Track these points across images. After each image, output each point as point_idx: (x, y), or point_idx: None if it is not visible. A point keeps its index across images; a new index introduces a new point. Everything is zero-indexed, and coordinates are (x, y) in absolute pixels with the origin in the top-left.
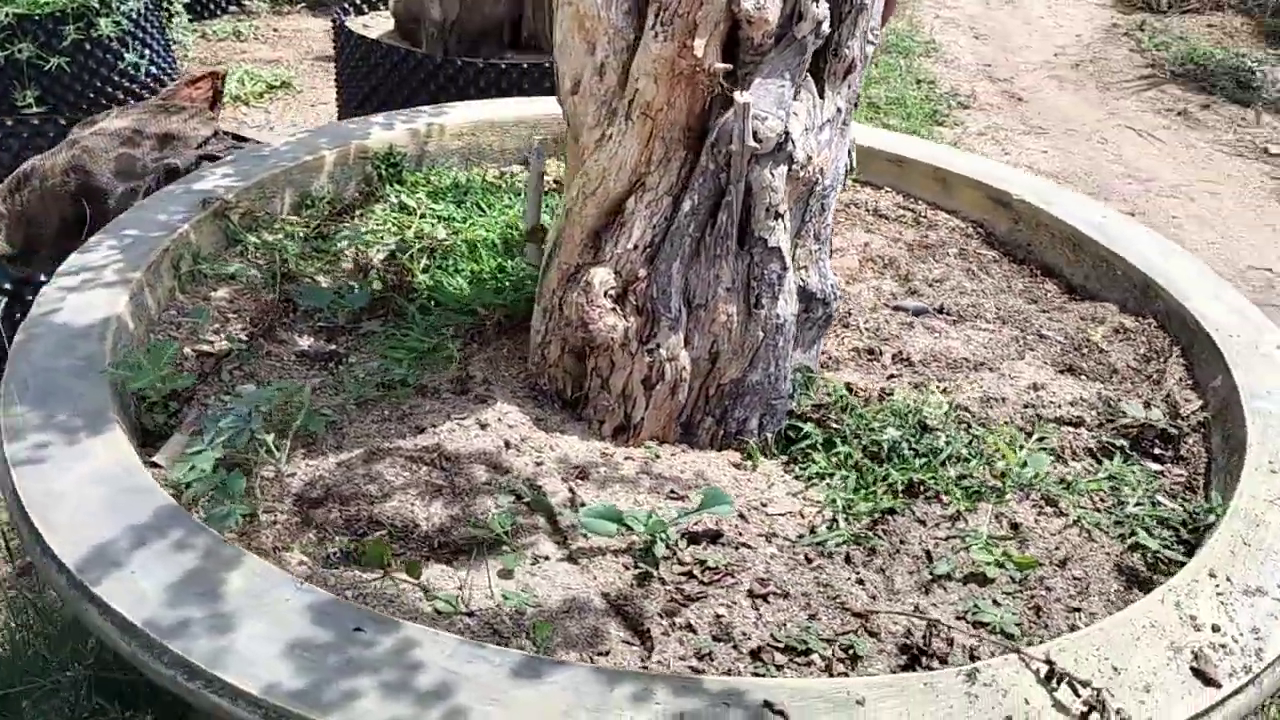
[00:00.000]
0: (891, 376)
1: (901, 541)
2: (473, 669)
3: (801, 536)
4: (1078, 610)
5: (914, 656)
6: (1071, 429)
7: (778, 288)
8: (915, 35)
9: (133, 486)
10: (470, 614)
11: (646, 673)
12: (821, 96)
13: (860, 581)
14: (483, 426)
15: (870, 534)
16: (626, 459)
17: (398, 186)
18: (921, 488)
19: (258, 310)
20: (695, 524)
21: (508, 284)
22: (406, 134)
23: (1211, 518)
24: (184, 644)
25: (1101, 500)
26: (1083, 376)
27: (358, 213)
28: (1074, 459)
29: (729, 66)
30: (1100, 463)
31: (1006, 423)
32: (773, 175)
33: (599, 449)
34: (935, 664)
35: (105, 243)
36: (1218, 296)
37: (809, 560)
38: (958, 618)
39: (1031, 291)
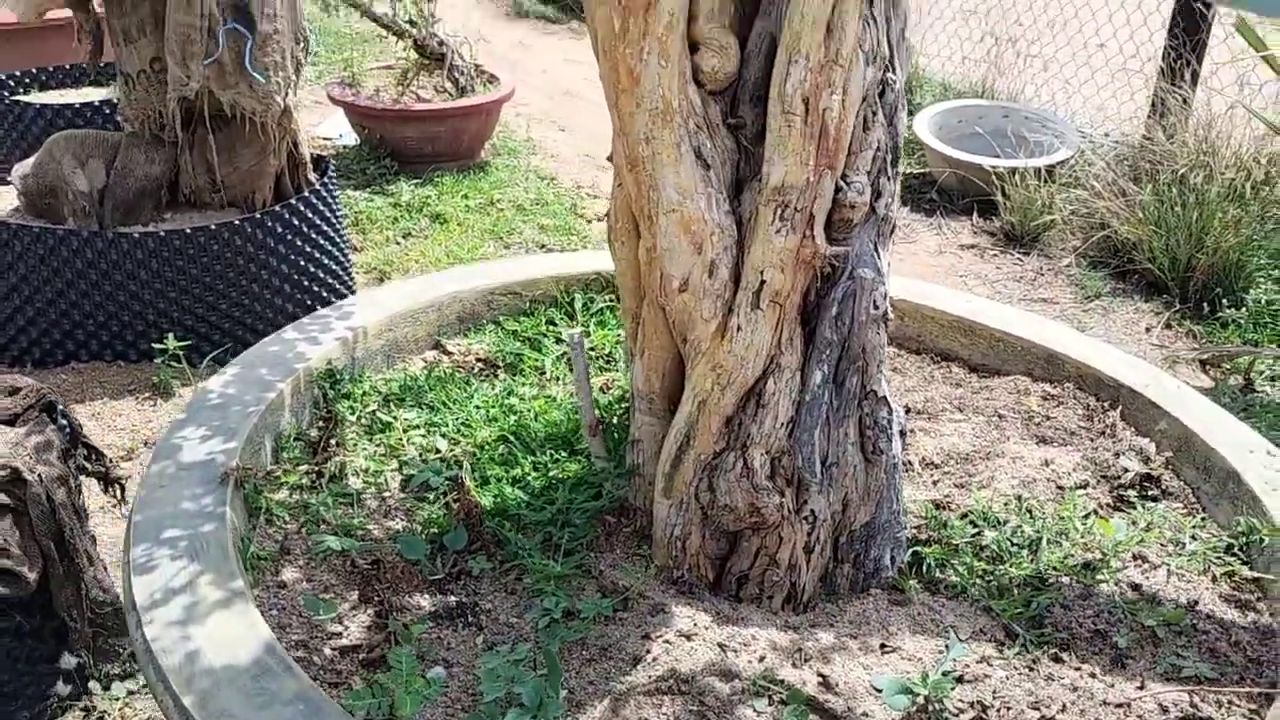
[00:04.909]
0: (936, 482)
1: (1068, 628)
2: None
3: (1001, 647)
4: (1236, 643)
5: None
6: (1086, 491)
7: (890, 431)
8: (513, 134)
9: None
10: None
11: None
12: (880, 258)
13: (1092, 674)
14: (688, 638)
15: (1042, 630)
16: (814, 627)
17: (348, 402)
18: (1043, 576)
19: (343, 581)
20: (950, 670)
21: (566, 482)
22: (336, 345)
23: (1259, 537)
24: None
25: (1166, 545)
26: (1055, 444)
27: (332, 443)
28: (1111, 517)
29: (847, 249)
30: (1127, 514)
31: (1050, 500)
32: (879, 334)
33: (784, 623)
34: None
35: (158, 553)
36: (1107, 353)
37: (1032, 670)
38: (1167, 679)
39: (949, 376)
